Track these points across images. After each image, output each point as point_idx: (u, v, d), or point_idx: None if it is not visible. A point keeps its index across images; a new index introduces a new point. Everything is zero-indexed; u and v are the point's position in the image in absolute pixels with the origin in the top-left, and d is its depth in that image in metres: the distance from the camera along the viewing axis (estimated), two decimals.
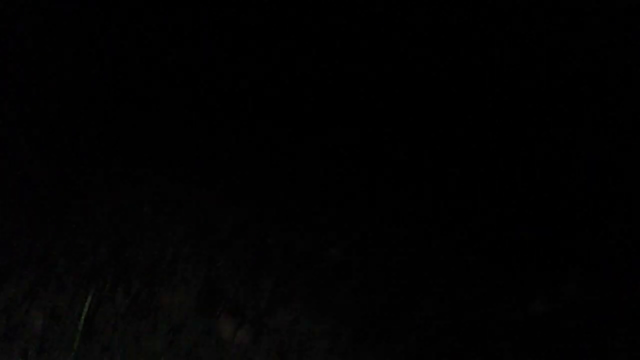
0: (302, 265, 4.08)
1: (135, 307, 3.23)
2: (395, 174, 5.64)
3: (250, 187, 4.68)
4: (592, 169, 5.42)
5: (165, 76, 5.55)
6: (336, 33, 5.84)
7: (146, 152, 4.61)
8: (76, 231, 3.66)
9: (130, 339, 3.03)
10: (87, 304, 2.91)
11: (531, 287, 4.50)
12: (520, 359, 3.95)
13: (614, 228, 4.81)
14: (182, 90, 5.47)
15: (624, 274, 4.55)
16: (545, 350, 3.99)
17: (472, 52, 5.78)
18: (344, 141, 5.64)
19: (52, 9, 4.75)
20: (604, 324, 4.20)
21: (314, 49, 5.60)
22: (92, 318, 3.05)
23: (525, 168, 5.54)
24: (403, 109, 5.93)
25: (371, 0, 5.36)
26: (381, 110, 5.88)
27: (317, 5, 5.57)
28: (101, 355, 2.87)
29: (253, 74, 5.92)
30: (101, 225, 3.79)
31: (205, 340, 3.24)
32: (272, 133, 5.42)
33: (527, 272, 4.61)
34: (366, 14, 5.79)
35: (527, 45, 5.71)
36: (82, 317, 2.88)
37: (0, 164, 3.99)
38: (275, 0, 5.38)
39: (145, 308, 3.26)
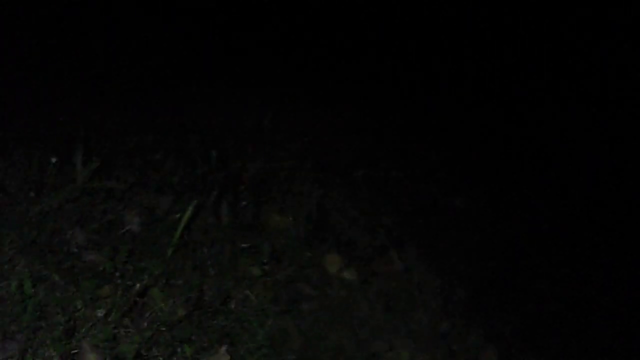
0: (424, 210, 3.66)
1: (238, 223, 2.91)
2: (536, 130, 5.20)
3: (381, 117, 4.28)
4: None
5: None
6: None
7: (274, 59, 4.27)
8: (189, 131, 3.36)
9: (227, 258, 2.71)
10: (188, 212, 2.60)
11: None
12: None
13: None
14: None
15: None
16: None
17: None
18: (480, 95, 5.24)
19: None
20: None
21: None
22: (191, 228, 2.74)
23: None
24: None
25: None
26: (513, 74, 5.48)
27: None
28: (193, 273, 2.56)
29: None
30: (215, 128, 3.48)
31: (308, 274, 2.89)
32: (409, 72, 5.04)
33: None
34: None
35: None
36: (181, 225, 2.57)
37: (113, 49, 3.75)
38: None
39: (250, 226, 2.93)
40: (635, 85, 5.44)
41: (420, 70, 5.01)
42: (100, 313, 2.30)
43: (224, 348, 2.31)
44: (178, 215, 2.72)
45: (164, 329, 2.31)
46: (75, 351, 2.10)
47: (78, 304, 2.29)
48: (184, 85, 3.66)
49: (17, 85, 3.02)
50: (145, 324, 2.31)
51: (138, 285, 2.37)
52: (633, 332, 3.70)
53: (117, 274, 2.41)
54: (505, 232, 3.98)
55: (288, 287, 2.75)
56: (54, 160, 2.71)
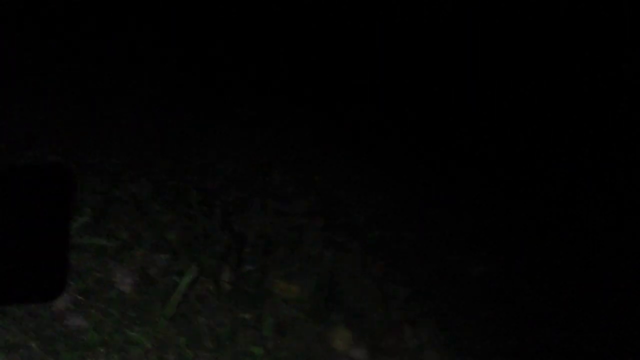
0: (439, 279, 3.49)
1: (240, 291, 2.73)
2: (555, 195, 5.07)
3: (397, 173, 4.13)
4: None
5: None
6: None
7: (286, 101, 4.12)
8: (190, 180, 3.20)
9: (227, 330, 2.53)
10: (186, 279, 2.42)
11: None
12: None
13: None
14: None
15: None
16: None
17: None
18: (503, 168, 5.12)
19: None
20: None
21: None
22: (188, 294, 2.56)
23: None
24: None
25: None
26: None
27: None
28: (187, 347, 2.38)
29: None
30: (219, 178, 3.31)
31: (314, 351, 2.71)
32: (429, 125, 4.93)
33: None
34: None
35: None
36: (178, 294, 2.40)
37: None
38: None
39: (253, 295, 2.75)
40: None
41: (439, 124, 4.88)
42: None
43: None
44: (174, 279, 2.55)
45: None
46: None
47: None
48: (185, 129, 3.51)
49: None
50: None
51: None
52: None
53: (103, 347, 2.22)
54: (525, 305, 3.82)
55: None
56: None
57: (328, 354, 2.71)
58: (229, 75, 4.28)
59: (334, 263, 3.12)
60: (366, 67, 4.85)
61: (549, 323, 3.74)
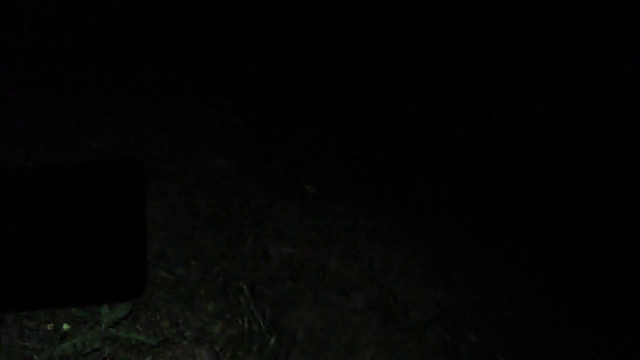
0: None
1: None
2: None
3: (457, 271, 3.88)
4: None
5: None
6: None
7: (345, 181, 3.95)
8: (237, 271, 3.00)
9: None
10: None
11: None
12: None
13: None
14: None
15: None
16: None
17: None
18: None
19: None
20: None
21: None
22: None
23: None
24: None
25: None
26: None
27: None
28: None
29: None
30: (270, 271, 3.10)
31: None
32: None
33: None
34: None
35: None
36: None
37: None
38: None
39: None
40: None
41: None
42: None
43: None
44: None
45: None
46: None
47: None
48: (245, 205, 3.34)
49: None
50: None
51: None
52: None
53: None
54: None
55: None
56: None
57: None
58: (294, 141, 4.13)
59: None
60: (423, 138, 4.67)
61: None
